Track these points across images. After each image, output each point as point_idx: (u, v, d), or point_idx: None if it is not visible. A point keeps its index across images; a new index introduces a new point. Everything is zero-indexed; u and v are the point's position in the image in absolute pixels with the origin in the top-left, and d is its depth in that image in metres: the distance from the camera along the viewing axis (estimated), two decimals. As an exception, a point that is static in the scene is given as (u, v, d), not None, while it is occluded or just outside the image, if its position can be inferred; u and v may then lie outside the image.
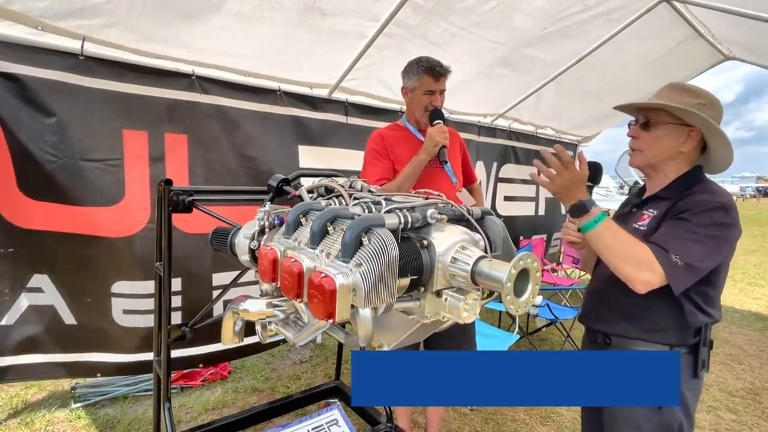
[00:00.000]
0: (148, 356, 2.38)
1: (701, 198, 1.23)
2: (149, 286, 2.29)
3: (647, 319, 1.30)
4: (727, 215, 1.21)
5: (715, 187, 1.29)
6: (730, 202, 1.24)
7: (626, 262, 1.20)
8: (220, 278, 2.61)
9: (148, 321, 2.35)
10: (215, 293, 2.58)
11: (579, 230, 1.23)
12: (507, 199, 4.75)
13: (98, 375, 2.42)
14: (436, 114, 1.96)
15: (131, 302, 2.36)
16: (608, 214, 1.23)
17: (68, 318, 2.28)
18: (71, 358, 2.33)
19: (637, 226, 1.35)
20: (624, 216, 1.48)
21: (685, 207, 1.24)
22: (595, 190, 1.50)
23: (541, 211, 5.22)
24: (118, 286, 2.34)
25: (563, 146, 1.26)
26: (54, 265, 2.20)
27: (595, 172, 1.58)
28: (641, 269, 1.18)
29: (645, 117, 1.35)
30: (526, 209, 5.02)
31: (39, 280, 2.18)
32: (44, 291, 2.20)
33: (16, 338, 2.19)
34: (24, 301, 2.17)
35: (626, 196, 1.63)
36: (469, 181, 2.29)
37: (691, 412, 1.33)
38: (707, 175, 1.36)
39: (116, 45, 2.15)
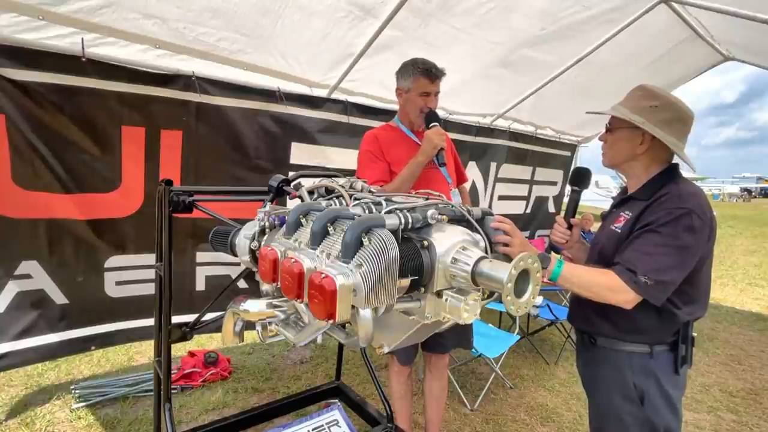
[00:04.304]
0: (139, 323, 2.62)
1: (669, 205, 1.25)
2: (141, 258, 2.55)
3: (627, 320, 1.33)
4: (697, 218, 1.22)
5: (685, 187, 1.29)
6: (699, 203, 1.25)
7: (600, 291, 1.26)
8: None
9: (139, 290, 2.59)
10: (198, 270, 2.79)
11: (550, 279, 1.28)
12: (501, 198, 4.82)
13: (92, 348, 2.56)
14: (432, 116, 1.96)
15: (124, 274, 2.55)
16: (563, 259, 1.31)
17: (60, 298, 2.37)
18: (65, 336, 2.44)
19: (613, 227, 1.39)
20: (606, 216, 1.52)
21: (653, 216, 1.26)
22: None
23: (529, 209, 5.29)
24: (111, 261, 2.50)
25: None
26: (44, 250, 2.28)
27: (581, 176, 1.60)
28: (617, 293, 1.24)
29: (609, 122, 1.43)
30: (517, 208, 5.12)
31: (27, 266, 2.25)
32: (33, 276, 2.28)
33: (8, 325, 2.25)
34: (12, 289, 2.23)
35: None
36: (461, 180, 2.30)
37: (677, 407, 1.36)
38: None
39: (116, 29, 2.15)
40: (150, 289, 2.47)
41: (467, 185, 2.38)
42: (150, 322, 2.56)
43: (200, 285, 2.80)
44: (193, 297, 2.76)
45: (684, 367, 1.35)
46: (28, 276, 2.26)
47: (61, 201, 2.25)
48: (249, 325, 1.28)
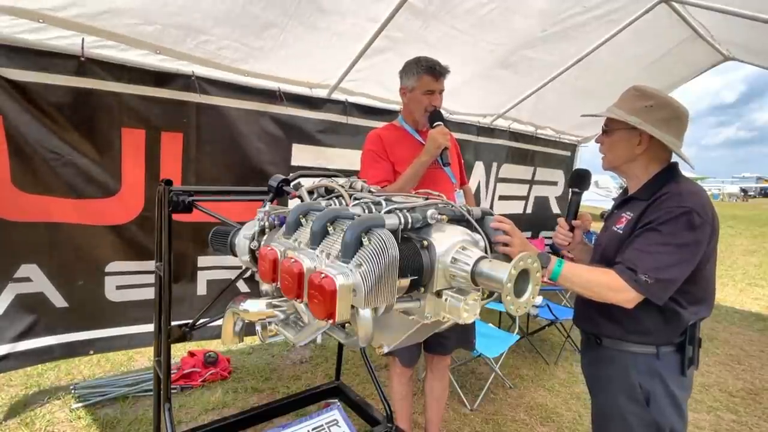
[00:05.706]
0: (139, 328, 2.60)
1: (669, 204, 1.25)
2: (142, 264, 2.54)
3: (632, 321, 1.32)
4: (697, 217, 1.22)
5: (686, 186, 1.29)
6: (700, 202, 1.25)
7: (601, 291, 1.26)
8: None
9: (140, 294, 2.58)
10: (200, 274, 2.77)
11: (550, 279, 1.28)
12: (501, 198, 4.80)
13: (91, 352, 2.55)
14: (436, 116, 1.95)
15: (124, 279, 2.55)
16: (564, 259, 1.31)
17: (59, 302, 2.36)
18: (65, 338, 2.43)
19: (615, 228, 1.39)
20: (608, 217, 1.52)
21: (654, 215, 1.26)
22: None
23: (529, 210, 5.25)
24: (112, 266, 2.49)
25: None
26: (44, 253, 2.27)
27: (580, 178, 1.61)
28: (618, 292, 1.24)
29: (605, 124, 1.43)
30: (516, 207, 5.09)
31: (27, 269, 2.24)
32: (32, 280, 2.27)
33: (7, 328, 2.24)
34: (11, 292, 2.22)
35: None
36: (461, 182, 2.30)
37: (683, 408, 1.35)
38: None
39: (116, 34, 2.15)
40: (151, 294, 2.46)
41: (471, 188, 2.38)
42: (150, 328, 2.55)
43: (201, 290, 2.78)
44: (194, 301, 2.74)
45: (691, 369, 1.34)
46: (27, 279, 2.25)
47: (61, 204, 2.24)
48: (249, 326, 1.28)
